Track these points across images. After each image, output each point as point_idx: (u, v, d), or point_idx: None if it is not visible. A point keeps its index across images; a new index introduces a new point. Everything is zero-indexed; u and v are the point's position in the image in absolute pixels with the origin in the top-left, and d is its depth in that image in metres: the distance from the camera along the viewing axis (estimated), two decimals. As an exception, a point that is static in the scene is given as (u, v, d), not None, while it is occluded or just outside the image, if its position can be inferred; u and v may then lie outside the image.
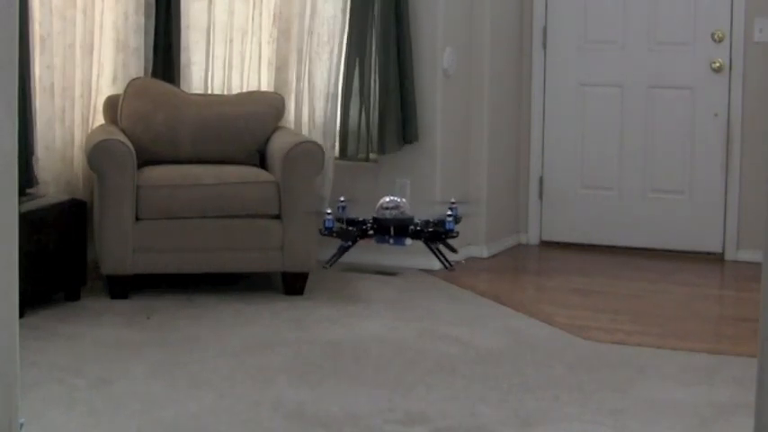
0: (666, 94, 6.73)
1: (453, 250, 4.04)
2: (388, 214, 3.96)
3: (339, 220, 3.98)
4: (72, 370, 4.31)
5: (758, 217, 6.36)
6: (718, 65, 6.59)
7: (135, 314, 5.15)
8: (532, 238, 7.01)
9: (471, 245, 6.57)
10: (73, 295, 5.33)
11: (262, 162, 5.86)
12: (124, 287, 5.39)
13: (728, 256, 6.63)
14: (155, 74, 6.11)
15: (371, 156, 6.23)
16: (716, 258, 6.64)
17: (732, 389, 4.20)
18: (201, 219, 5.43)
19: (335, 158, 6.22)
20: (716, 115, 6.61)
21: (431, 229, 3.98)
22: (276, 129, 5.95)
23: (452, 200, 4.11)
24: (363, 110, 6.12)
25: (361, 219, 3.98)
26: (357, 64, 6.12)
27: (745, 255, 6.53)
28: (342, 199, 4.09)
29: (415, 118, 6.16)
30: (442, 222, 3.99)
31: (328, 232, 3.96)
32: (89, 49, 5.88)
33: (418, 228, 3.97)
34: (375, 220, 3.96)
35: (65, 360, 4.45)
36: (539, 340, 4.88)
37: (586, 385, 4.23)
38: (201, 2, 6.26)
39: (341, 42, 6.18)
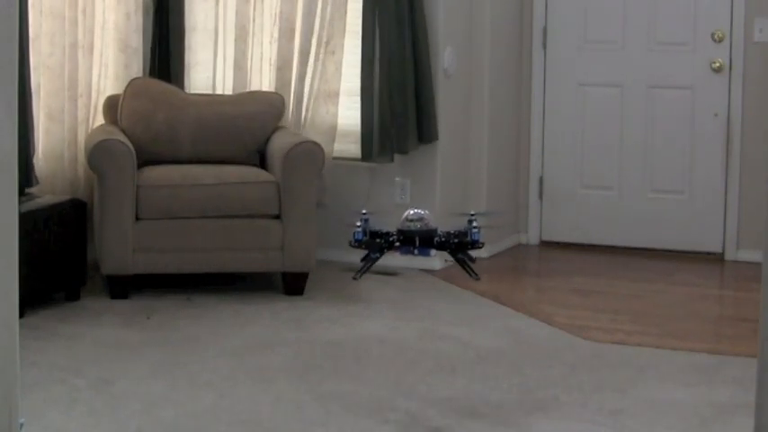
0: (666, 94, 6.73)
1: (472, 260, 4.18)
2: (412, 226, 4.11)
3: (363, 231, 4.11)
4: (72, 370, 4.31)
5: (758, 217, 6.35)
6: (718, 65, 6.59)
7: (135, 314, 5.15)
8: (532, 238, 7.00)
9: (471, 245, 6.57)
10: (73, 295, 5.34)
11: (262, 162, 5.86)
12: (124, 287, 5.39)
13: (728, 256, 6.63)
14: (154, 74, 6.11)
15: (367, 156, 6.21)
16: (716, 258, 6.64)
17: (732, 389, 4.20)
18: (201, 219, 5.43)
19: (343, 159, 6.24)
20: (716, 115, 6.61)
21: (456, 240, 4.11)
22: (276, 129, 5.95)
23: (472, 212, 4.27)
24: (375, 110, 6.10)
25: (385, 231, 4.12)
26: (367, 63, 6.09)
27: (745, 255, 6.52)
28: (364, 212, 4.20)
29: (434, 117, 6.14)
30: (465, 233, 4.12)
31: (358, 244, 4.12)
32: (89, 48, 5.89)
33: (443, 239, 4.11)
34: (400, 231, 4.10)
35: (65, 360, 4.45)
36: (539, 340, 4.88)
37: (586, 385, 4.23)
38: (202, 2, 6.26)
39: (342, 42, 6.18)
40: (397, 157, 6.17)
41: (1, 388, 2.33)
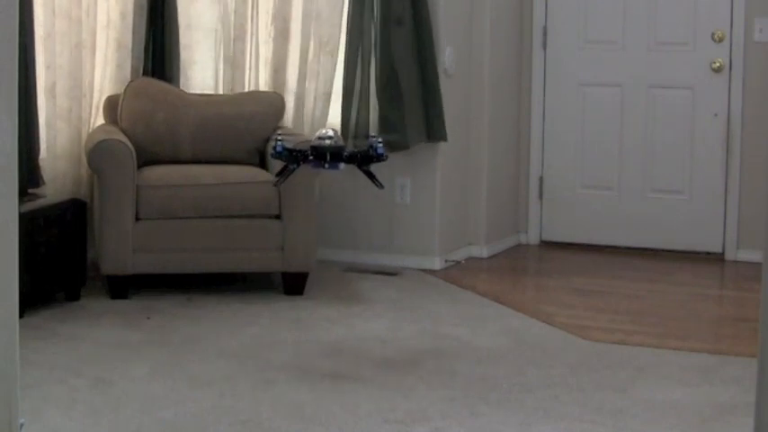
0: (666, 94, 6.73)
1: (378, 182, 4.77)
2: (324, 143, 4.65)
3: (282, 146, 4.74)
4: (72, 370, 4.31)
5: (758, 217, 6.36)
6: (718, 65, 6.59)
7: (135, 314, 5.15)
8: (532, 238, 7.01)
9: (471, 245, 6.58)
10: (73, 295, 5.33)
11: (262, 162, 5.86)
12: (124, 287, 5.39)
13: (728, 256, 6.63)
14: (147, 73, 6.09)
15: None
16: (716, 258, 6.64)
17: (732, 389, 4.20)
18: (201, 219, 5.43)
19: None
20: (716, 115, 6.61)
21: (362, 155, 4.71)
22: (276, 129, 5.94)
23: (372, 134, 4.98)
24: (370, 108, 6.09)
25: (299, 148, 4.73)
26: (363, 62, 6.08)
27: (745, 255, 6.53)
28: (279, 132, 4.87)
29: (442, 115, 6.14)
30: (371, 147, 4.70)
31: (278, 155, 4.69)
32: (92, 48, 5.89)
33: (350, 154, 4.69)
34: (313, 147, 4.66)
35: (65, 360, 4.45)
36: (539, 340, 4.88)
37: (586, 385, 4.23)
38: (200, 2, 6.26)
39: (339, 41, 6.17)
40: (397, 156, 6.16)
41: (1, 388, 2.32)
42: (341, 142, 4.70)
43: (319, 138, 4.68)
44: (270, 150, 4.77)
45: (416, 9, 6.04)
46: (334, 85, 6.21)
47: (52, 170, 5.67)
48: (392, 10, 6.01)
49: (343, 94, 6.11)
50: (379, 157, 4.72)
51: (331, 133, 4.69)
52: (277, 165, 5.55)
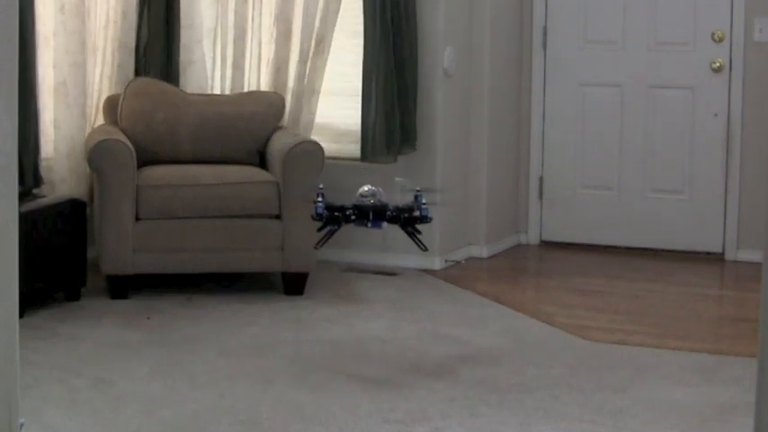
0: (666, 94, 6.73)
1: (420, 232, 4.51)
2: (366, 201, 4.48)
3: (324, 205, 4.48)
4: (72, 370, 4.31)
5: (758, 217, 6.35)
6: (718, 65, 6.59)
7: (135, 314, 5.15)
8: (532, 238, 7.01)
9: (471, 245, 6.58)
10: (73, 295, 5.33)
11: (262, 162, 5.86)
12: (124, 287, 5.39)
13: (728, 256, 6.63)
14: (140, 72, 6.09)
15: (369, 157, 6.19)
16: (716, 258, 6.64)
17: (732, 389, 4.20)
18: (201, 219, 5.43)
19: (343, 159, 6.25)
20: (716, 115, 6.61)
21: (406, 215, 4.49)
22: (276, 129, 5.95)
23: (418, 188, 4.60)
24: (375, 111, 6.09)
25: (339, 204, 4.50)
26: (369, 65, 6.08)
27: (745, 255, 6.53)
28: (320, 186, 4.57)
29: (414, 126, 6.14)
30: (414, 208, 4.50)
31: (319, 218, 4.49)
32: (93, 48, 5.89)
33: (394, 213, 4.49)
34: (355, 206, 4.49)
35: (65, 360, 4.45)
36: (539, 340, 4.88)
37: (586, 385, 4.23)
38: (201, 2, 6.26)
39: (331, 41, 6.17)
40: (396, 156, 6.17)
41: (1, 388, 2.33)
42: (384, 199, 4.50)
43: (361, 195, 4.50)
44: (310, 212, 4.54)
45: (407, 11, 6.04)
46: (332, 86, 6.24)
47: (62, 169, 5.67)
48: (385, 12, 6.02)
49: (362, 97, 6.10)
50: (424, 220, 4.50)
51: (373, 190, 4.50)
52: (277, 162, 5.57)
